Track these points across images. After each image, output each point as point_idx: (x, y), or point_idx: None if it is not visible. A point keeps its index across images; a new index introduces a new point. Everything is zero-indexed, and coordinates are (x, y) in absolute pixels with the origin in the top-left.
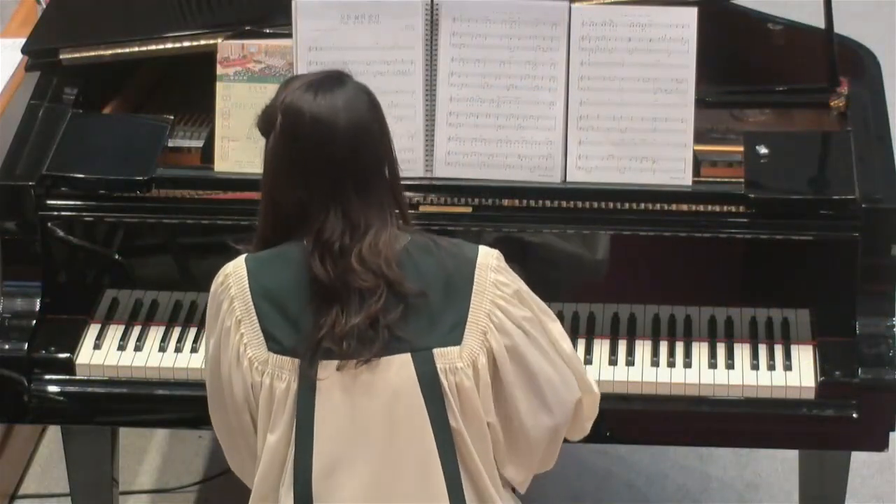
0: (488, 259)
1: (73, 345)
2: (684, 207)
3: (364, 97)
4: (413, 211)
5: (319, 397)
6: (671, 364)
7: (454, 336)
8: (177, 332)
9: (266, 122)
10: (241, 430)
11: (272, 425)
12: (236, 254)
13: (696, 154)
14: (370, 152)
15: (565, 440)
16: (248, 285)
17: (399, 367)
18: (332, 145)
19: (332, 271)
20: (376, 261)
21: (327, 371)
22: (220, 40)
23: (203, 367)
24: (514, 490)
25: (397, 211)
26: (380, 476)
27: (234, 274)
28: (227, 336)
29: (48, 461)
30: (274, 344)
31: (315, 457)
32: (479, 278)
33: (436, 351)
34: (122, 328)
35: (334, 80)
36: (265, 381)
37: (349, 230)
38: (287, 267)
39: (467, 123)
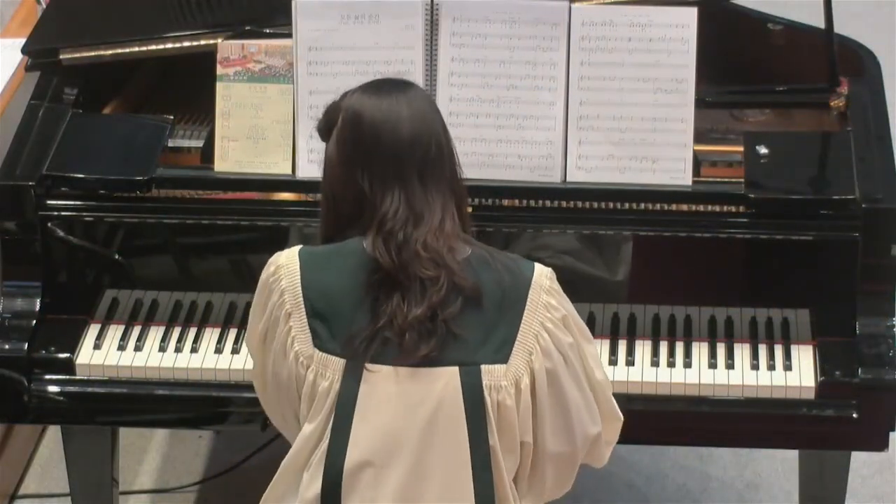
0: (542, 279)
1: (73, 345)
2: (684, 207)
3: (427, 99)
4: None
5: (363, 394)
6: (671, 364)
7: (502, 354)
8: (177, 332)
9: (327, 123)
10: (288, 399)
11: (311, 416)
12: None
13: (696, 154)
14: (432, 142)
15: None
16: (299, 280)
17: (446, 380)
18: (394, 135)
19: (397, 258)
20: (439, 248)
21: (379, 374)
22: (220, 40)
23: (203, 365)
24: None
25: (457, 215)
26: (410, 482)
27: (287, 266)
28: (274, 325)
29: (48, 461)
30: (321, 342)
31: (349, 453)
32: (532, 298)
33: (483, 367)
34: (122, 328)
35: (398, 83)
36: (309, 377)
37: (413, 218)
38: (343, 265)
39: (467, 123)
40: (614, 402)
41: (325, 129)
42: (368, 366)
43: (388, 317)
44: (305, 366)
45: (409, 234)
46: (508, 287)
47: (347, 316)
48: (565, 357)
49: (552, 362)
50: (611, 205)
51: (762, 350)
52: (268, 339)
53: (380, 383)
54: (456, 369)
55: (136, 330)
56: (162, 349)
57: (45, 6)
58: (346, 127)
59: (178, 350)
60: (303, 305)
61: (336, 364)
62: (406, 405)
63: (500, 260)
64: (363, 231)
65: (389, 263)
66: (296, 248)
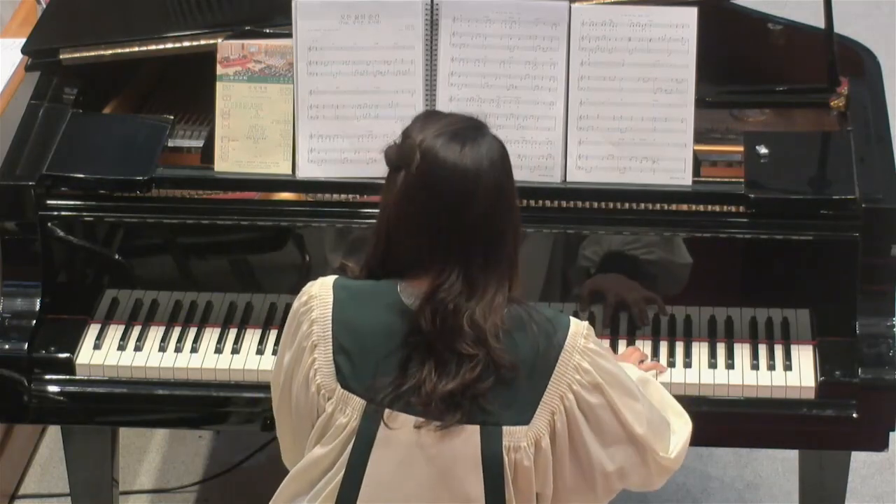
0: (576, 340)
1: (73, 345)
2: (684, 207)
3: (502, 151)
4: None
5: (380, 439)
6: (671, 364)
7: (525, 416)
8: (177, 332)
9: (400, 158)
10: (301, 431)
11: (324, 441)
12: (333, 272)
13: (696, 154)
14: (505, 217)
15: None
16: (331, 314)
17: (466, 438)
18: (471, 207)
19: (441, 327)
20: (484, 327)
21: (398, 422)
22: (220, 40)
23: (203, 365)
24: None
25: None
26: None
27: (319, 297)
28: (300, 356)
29: (48, 461)
30: (344, 378)
31: (361, 493)
32: (562, 361)
33: (505, 429)
34: (122, 328)
35: (476, 129)
36: (328, 408)
37: (467, 291)
38: (377, 308)
39: None
40: (663, 453)
41: (396, 163)
42: (388, 412)
43: (415, 381)
44: (326, 398)
45: (460, 306)
46: (542, 353)
47: (375, 360)
48: (587, 416)
49: (575, 423)
50: (611, 205)
51: (762, 350)
52: (293, 369)
53: (398, 431)
54: (477, 428)
55: (136, 330)
56: (162, 349)
57: (45, 6)
58: (422, 183)
59: (178, 350)
60: (330, 339)
61: (356, 403)
62: (423, 456)
63: (537, 320)
64: (409, 277)
65: (432, 331)
66: (330, 279)
